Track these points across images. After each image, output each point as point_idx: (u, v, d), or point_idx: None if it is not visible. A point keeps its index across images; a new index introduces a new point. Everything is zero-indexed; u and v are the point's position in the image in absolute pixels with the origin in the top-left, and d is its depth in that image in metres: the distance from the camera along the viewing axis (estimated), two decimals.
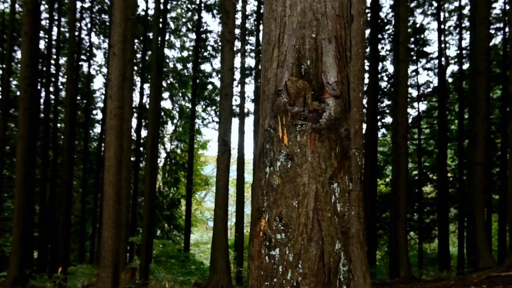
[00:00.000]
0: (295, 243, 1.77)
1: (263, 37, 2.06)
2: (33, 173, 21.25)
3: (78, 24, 23.38)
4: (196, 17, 24.48)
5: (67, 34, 21.77)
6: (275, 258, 1.81)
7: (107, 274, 8.73)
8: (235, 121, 17.81)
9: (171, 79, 26.15)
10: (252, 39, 23.32)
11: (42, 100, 21.64)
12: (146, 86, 24.23)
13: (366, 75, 23.62)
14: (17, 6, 18.54)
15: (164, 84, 25.48)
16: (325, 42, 1.89)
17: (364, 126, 21.66)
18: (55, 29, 22.58)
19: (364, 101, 23.85)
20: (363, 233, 4.90)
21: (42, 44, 22.65)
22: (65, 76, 22.12)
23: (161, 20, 20.10)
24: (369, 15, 21.81)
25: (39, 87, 22.09)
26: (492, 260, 12.54)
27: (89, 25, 24.29)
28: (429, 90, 23.49)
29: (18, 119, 13.15)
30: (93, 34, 24.73)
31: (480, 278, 10.24)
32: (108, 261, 8.79)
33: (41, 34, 22.92)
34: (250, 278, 1.92)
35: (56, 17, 22.47)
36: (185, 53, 26.07)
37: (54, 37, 22.65)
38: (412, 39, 22.58)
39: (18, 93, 19.23)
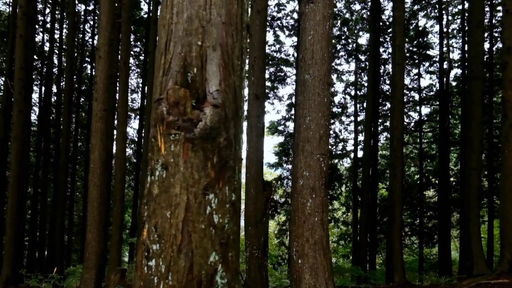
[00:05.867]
0: (167, 254, 1.74)
1: (157, 44, 2.04)
2: (36, 174, 21.54)
3: (82, 27, 23.61)
4: None
5: None
6: (152, 269, 1.78)
7: (90, 275, 8.76)
8: None
9: None
10: None
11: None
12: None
13: (365, 78, 23.50)
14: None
15: None
16: (210, 50, 1.86)
17: (365, 129, 21.50)
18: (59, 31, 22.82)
19: (364, 104, 23.75)
20: (326, 239, 4.83)
21: (46, 47, 22.95)
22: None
23: None
24: (369, 18, 21.68)
25: (43, 89, 22.33)
26: (485, 267, 12.37)
27: (92, 28, 24.50)
28: (432, 93, 23.27)
29: (12, 120, 13.25)
30: (96, 36, 24.94)
31: (470, 285, 10.09)
32: (92, 263, 8.82)
33: (46, 36, 23.23)
34: None
35: (59, 19, 22.67)
36: None
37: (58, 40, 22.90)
38: (415, 42, 22.40)
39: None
